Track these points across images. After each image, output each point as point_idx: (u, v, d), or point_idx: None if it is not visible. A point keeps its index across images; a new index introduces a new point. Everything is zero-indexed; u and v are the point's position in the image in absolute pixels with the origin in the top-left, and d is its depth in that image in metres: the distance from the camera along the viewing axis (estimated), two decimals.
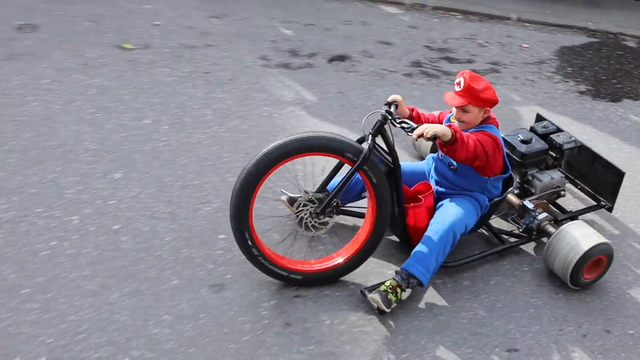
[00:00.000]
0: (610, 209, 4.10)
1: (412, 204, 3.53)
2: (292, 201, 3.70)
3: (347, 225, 3.89)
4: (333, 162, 3.57)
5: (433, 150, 4.06)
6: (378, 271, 3.61)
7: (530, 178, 4.02)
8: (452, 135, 3.17)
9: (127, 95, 5.07)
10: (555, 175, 4.05)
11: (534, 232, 3.81)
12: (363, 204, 3.67)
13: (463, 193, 3.62)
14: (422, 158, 4.45)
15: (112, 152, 4.31)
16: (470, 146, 3.25)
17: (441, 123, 3.66)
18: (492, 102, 3.46)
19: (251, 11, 6.56)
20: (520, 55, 6.45)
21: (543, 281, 3.72)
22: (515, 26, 7.01)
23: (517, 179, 4.05)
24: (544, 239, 3.88)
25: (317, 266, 3.49)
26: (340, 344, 3.23)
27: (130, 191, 3.90)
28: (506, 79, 5.96)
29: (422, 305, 3.51)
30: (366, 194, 3.45)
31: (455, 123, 3.53)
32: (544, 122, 4.32)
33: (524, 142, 4.01)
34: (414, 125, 3.28)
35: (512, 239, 3.91)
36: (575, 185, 4.27)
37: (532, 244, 3.95)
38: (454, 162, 3.53)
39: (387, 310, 3.31)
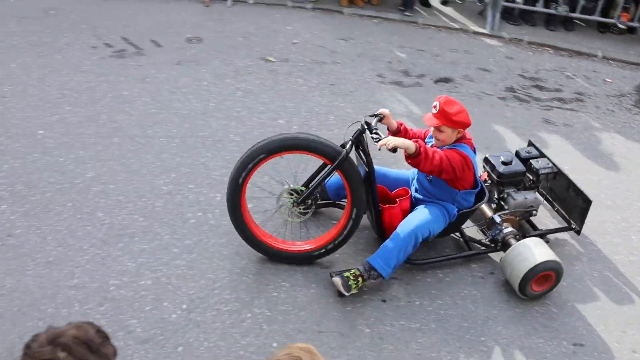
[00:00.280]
0: (578, 232, 3.75)
1: (387, 205, 3.38)
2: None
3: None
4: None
5: None
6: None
7: (506, 196, 3.76)
8: (417, 149, 3.02)
9: (267, 98, 5.12)
10: (530, 195, 3.74)
11: (499, 244, 3.56)
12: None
13: (436, 202, 3.40)
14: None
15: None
16: (435, 160, 3.07)
17: (424, 139, 3.48)
18: (464, 125, 3.23)
19: (373, 36, 6.51)
20: (603, 88, 6.04)
21: (611, 287, 3.49)
22: (601, 63, 6.58)
23: (495, 195, 3.81)
24: None
25: (292, 247, 3.43)
26: (427, 322, 3.19)
27: (263, 177, 3.94)
28: (589, 107, 5.58)
29: (503, 296, 3.39)
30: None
31: (433, 141, 3.35)
32: (528, 148, 4.01)
33: (504, 163, 3.75)
34: (382, 136, 3.14)
35: (482, 247, 3.67)
36: (553, 206, 3.93)
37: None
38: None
39: (346, 294, 3.19)
